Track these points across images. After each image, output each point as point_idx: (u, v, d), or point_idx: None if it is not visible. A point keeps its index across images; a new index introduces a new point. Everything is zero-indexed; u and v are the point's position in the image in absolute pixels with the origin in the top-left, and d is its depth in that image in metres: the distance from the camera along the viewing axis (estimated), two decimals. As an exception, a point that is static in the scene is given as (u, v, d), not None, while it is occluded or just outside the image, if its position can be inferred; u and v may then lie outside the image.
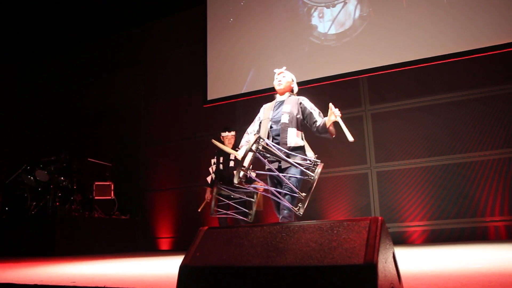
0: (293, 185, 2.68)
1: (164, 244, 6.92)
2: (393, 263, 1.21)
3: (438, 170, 5.12)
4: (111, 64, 8.40)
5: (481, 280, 1.52)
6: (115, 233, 6.62)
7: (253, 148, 2.42)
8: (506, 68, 5.00)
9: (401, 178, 5.30)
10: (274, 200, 2.92)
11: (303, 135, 3.07)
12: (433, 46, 5.27)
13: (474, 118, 5.06)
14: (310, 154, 2.97)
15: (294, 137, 2.97)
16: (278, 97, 3.26)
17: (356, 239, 1.12)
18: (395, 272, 1.22)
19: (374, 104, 5.68)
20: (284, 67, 3.30)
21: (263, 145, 2.45)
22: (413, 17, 5.47)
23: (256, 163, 2.70)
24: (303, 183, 2.73)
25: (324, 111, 3.42)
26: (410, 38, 5.43)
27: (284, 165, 2.88)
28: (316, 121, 2.99)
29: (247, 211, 4.06)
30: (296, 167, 2.61)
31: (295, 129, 2.99)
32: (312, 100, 3.23)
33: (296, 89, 3.30)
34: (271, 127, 3.07)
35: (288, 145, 2.93)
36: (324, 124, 2.91)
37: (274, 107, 3.20)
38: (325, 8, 6.10)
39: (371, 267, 1.02)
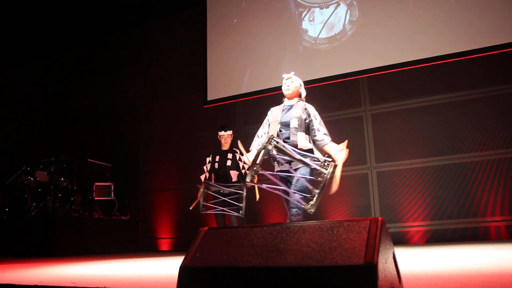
0: (303, 185, 2.77)
1: (164, 244, 6.92)
2: (393, 264, 1.21)
3: (438, 170, 5.12)
4: (111, 64, 8.40)
5: (481, 281, 1.52)
6: (115, 234, 6.62)
7: (267, 147, 2.47)
8: (505, 68, 5.00)
9: (401, 178, 5.30)
10: (286, 199, 3.01)
11: (310, 139, 3.15)
12: (433, 47, 5.27)
13: (474, 118, 5.06)
14: (319, 156, 3.02)
15: (304, 141, 3.06)
16: (287, 101, 3.34)
17: (356, 239, 1.12)
18: (395, 272, 1.22)
19: (374, 105, 5.68)
20: (293, 72, 3.39)
21: (275, 145, 2.51)
22: (413, 18, 5.48)
23: (266, 164, 2.73)
24: (313, 184, 2.77)
25: (325, 111, 3.43)
26: (410, 38, 5.44)
27: (294, 166, 2.95)
28: (314, 129, 3.09)
29: (239, 204, 4.08)
30: (309, 165, 2.68)
31: (303, 133, 3.08)
32: (313, 100, 3.27)
33: (304, 93, 3.38)
34: (280, 130, 3.15)
35: (299, 148, 2.99)
36: (322, 147, 3.00)
37: (283, 110, 3.27)
38: (325, 9, 6.10)
39: (371, 268, 1.02)
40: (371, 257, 1.04)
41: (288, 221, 2.98)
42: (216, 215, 4.39)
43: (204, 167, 4.70)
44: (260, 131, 3.36)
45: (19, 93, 9.48)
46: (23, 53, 9.07)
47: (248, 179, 2.51)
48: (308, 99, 3.44)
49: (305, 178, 2.85)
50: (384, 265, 1.10)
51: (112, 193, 6.76)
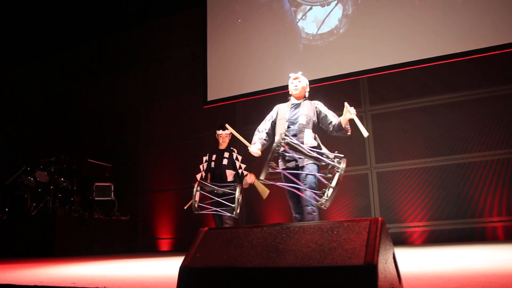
0: (313, 181, 2.92)
1: (164, 245, 6.91)
2: (393, 264, 1.21)
3: (438, 171, 5.12)
4: (111, 64, 8.40)
5: (481, 281, 1.52)
6: (115, 234, 6.62)
7: (281, 144, 2.51)
8: (505, 69, 5.00)
9: (401, 179, 5.30)
10: (293, 198, 3.11)
11: (317, 137, 3.26)
12: (433, 47, 5.27)
13: (474, 119, 5.06)
14: (326, 151, 3.09)
15: (310, 138, 3.16)
16: (293, 100, 3.39)
17: (356, 239, 1.12)
18: (395, 272, 1.22)
19: (374, 105, 5.68)
20: (300, 72, 3.44)
21: (287, 142, 2.55)
22: (413, 19, 5.48)
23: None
24: (321, 181, 2.87)
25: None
26: (410, 39, 5.44)
27: (301, 163, 3.02)
28: (331, 121, 3.21)
29: (231, 205, 4.05)
30: (320, 161, 2.75)
31: (311, 131, 3.19)
32: (312, 99, 3.32)
33: (307, 93, 3.45)
34: (288, 127, 3.22)
35: (305, 144, 3.07)
36: (340, 123, 3.15)
37: (290, 108, 3.34)
38: (326, 6, 6.10)
39: (371, 268, 1.02)
40: (371, 257, 1.04)
41: (304, 220, 3.03)
42: (213, 215, 4.37)
43: (201, 166, 4.67)
44: (261, 126, 3.41)
45: (19, 93, 9.48)
46: (23, 53, 9.07)
47: (262, 176, 2.56)
48: (309, 100, 3.47)
49: (315, 175, 2.94)
50: (384, 265, 1.10)
51: (112, 193, 6.76)
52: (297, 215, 3.16)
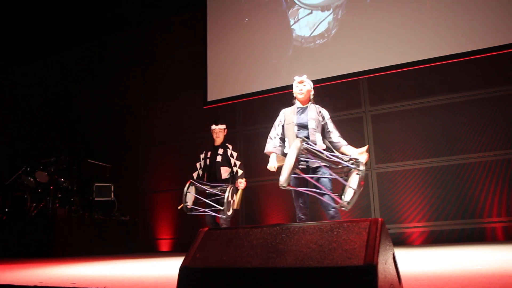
0: (328, 185, 2.98)
1: (164, 245, 6.91)
2: (393, 264, 1.21)
3: (437, 171, 5.13)
4: (111, 64, 8.40)
5: (481, 281, 1.52)
6: (115, 235, 6.61)
7: (302, 150, 2.57)
8: (504, 70, 5.00)
9: (400, 179, 5.30)
10: (299, 200, 3.11)
11: (325, 140, 3.30)
12: (432, 48, 5.28)
13: (473, 120, 5.06)
14: (339, 155, 3.12)
15: (321, 141, 3.21)
16: (298, 103, 3.41)
17: (356, 240, 1.12)
18: (395, 273, 1.22)
19: (374, 105, 5.68)
20: (305, 75, 3.44)
21: (306, 148, 2.59)
22: (412, 19, 5.48)
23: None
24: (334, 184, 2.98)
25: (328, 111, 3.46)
26: (409, 40, 5.44)
27: (312, 165, 3.06)
28: (330, 131, 3.27)
29: (220, 208, 3.99)
30: (338, 163, 2.80)
31: (320, 134, 3.24)
32: (313, 100, 3.36)
33: (312, 95, 3.47)
34: (297, 130, 3.25)
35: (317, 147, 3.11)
36: (339, 148, 3.18)
37: (297, 112, 3.36)
38: (326, 11, 6.11)
39: (371, 268, 1.02)
40: (371, 258, 1.04)
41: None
42: (206, 216, 4.28)
43: (197, 164, 4.58)
44: (273, 133, 3.40)
45: (19, 93, 9.48)
46: (23, 53, 9.08)
47: (285, 183, 2.59)
48: (314, 103, 3.51)
49: (328, 178, 3.00)
50: (384, 266, 1.10)
51: (112, 193, 6.76)
52: (302, 216, 3.16)
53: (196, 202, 4.21)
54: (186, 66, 7.43)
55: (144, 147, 7.60)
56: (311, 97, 3.44)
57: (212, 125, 4.56)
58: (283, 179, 2.64)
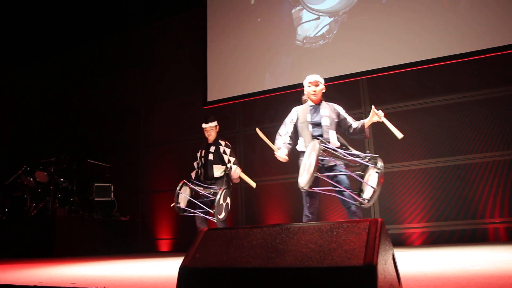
0: (346, 182, 3.04)
1: (164, 245, 6.91)
2: (392, 265, 1.22)
3: (438, 172, 5.13)
4: (111, 65, 8.40)
5: (480, 282, 1.52)
6: (114, 235, 6.61)
7: (319, 150, 2.62)
8: (505, 70, 5.00)
9: (400, 180, 5.30)
10: (309, 199, 3.14)
11: (340, 137, 3.34)
12: (433, 48, 5.28)
13: (474, 120, 5.06)
14: (355, 152, 3.16)
15: (335, 139, 3.26)
16: (310, 101, 3.43)
17: (356, 240, 1.12)
18: (394, 273, 1.22)
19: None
20: (318, 75, 3.45)
21: (323, 149, 2.62)
22: (412, 20, 5.48)
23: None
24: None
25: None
26: (409, 40, 5.44)
27: (328, 163, 3.10)
28: (350, 124, 3.34)
29: (210, 210, 3.94)
30: (355, 161, 2.85)
31: (334, 132, 3.28)
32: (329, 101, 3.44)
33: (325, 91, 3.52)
34: (312, 128, 3.28)
35: (332, 144, 3.16)
36: (362, 126, 3.29)
37: (310, 110, 3.37)
38: (331, 17, 6.11)
39: (370, 269, 1.02)
40: (371, 258, 1.04)
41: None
42: (195, 217, 4.21)
43: (195, 163, 4.52)
44: (282, 130, 3.42)
45: (19, 93, 9.48)
46: (23, 53, 9.08)
47: (306, 186, 2.60)
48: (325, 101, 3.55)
49: (345, 175, 3.07)
50: (384, 266, 1.10)
51: (112, 193, 6.76)
52: (309, 215, 3.17)
53: (190, 203, 4.16)
54: (186, 66, 7.43)
55: (144, 147, 7.60)
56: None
57: (202, 123, 4.49)
58: (304, 182, 2.66)
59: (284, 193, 6.05)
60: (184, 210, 4.11)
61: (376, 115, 3.18)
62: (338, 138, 3.30)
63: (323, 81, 3.46)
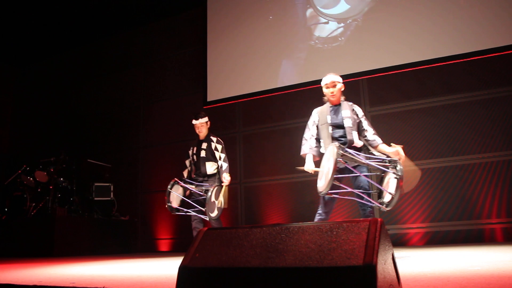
0: (366, 183, 3.01)
1: (163, 245, 6.91)
2: (392, 265, 1.21)
3: (438, 172, 5.13)
4: (111, 65, 8.40)
5: (480, 282, 1.52)
6: (114, 234, 6.61)
7: (338, 155, 2.59)
8: (505, 70, 5.00)
9: (400, 180, 5.29)
10: (325, 198, 3.10)
11: (361, 137, 3.29)
12: (433, 48, 5.28)
13: (474, 120, 5.06)
14: (376, 153, 3.15)
15: (357, 139, 3.20)
16: (330, 102, 3.37)
17: (356, 240, 1.12)
18: (394, 273, 1.22)
19: (373, 106, 5.68)
20: (333, 75, 3.34)
21: (342, 154, 2.62)
22: (412, 20, 5.48)
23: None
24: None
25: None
26: (410, 40, 5.45)
27: (350, 164, 3.03)
28: (365, 130, 3.25)
29: (202, 208, 3.83)
30: (374, 167, 2.84)
31: (356, 132, 3.22)
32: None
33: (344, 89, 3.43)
34: (332, 130, 3.23)
35: (353, 145, 3.15)
36: (375, 147, 3.18)
37: (330, 111, 3.31)
38: (325, 10, 6.11)
39: (370, 269, 1.02)
40: (370, 258, 1.04)
41: None
42: (191, 218, 4.12)
43: (187, 162, 4.42)
44: (307, 134, 3.35)
45: (19, 93, 9.48)
46: (23, 53, 9.08)
47: (325, 191, 2.63)
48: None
49: (367, 178, 3.02)
50: (383, 266, 1.10)
51: (112, 193, 6.76)
52: (323, 214, 3.12)
53: (182, 202, 4.08)
54: (186, 66, 7.43)
55: (143, 147, 7.60)
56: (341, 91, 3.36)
57: (193, 120, 4.37)
58: (323, 187, 2.65)
59: (284, 193, 6.05)
60: (177, 210, 4.02)
61: (397, 156, 2.98)
62: (360, 138, 3.24)
63: (340, 79, 3.34)
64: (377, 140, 3.20)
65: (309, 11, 6.22)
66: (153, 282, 2.02)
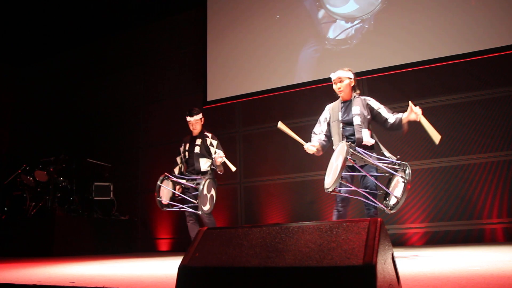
0: (373, 184, 2.94)
1: (163, 245, 6.91)
2: (392, 265, 1.21)
3: (438, 172, 5.13)
4: (111, 64, 8.40)
5: (479, 282, 1.52)
6: (114, 234, 6.61)
7: (348, 154, 2.58)
8: (505, 70, 5.01)
9: (400, 180, 5.30)
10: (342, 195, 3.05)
11: (374, 135, 3.21)
12: (433, 48, 5.28)
13: (474, 120, 5.06)
14: (387, 154, 3.08)
15: (368, 137, 3.12)
16: (341, 98, 3.29)
17: (355, 240, 1.12)
18: (393, 273, 1.22)
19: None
20: (340, 71, 3.29)
21: (352, 153, 2.60)
22: (412, 20, 5.48)
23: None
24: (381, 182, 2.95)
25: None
26: (409, 40, 5.45)
27: (359, 163, 2.97)
28: (387, 118, 3.15)
29: (195, 201, 3.72)
30: (385, 170, 2.81)
31: (367, 130, 3.13)
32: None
33: (355, 83, 3.33)
34: (343, 127, 3.16)
35: (363, 144, 3.07)
36: (400, 121, 3.10)
37: (341, 108, 3.24)
38: (325, 11, 6.11)
39: (370, 268, 1.02)
40: (370, 257, 1.04)
41: None
42: (186, 217, 4.04)
43: (178, 158, 4.29)
44: (317, 129, 3.30)
45: (19, 93, 9.48)
46: (23, 53, 9.07)
47: (331, 189, 2.59)
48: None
49: (375, 178, 2.97)
50: (383, 266, 1.10)
51: (111, 193, 6.76)
52: (340, 210, 3.07)
53: (173, 198, 3.96)
54: (186, 66, 7.43)
55: (143, 146, 7.60)
56: (355, 89, 3.27)
57: (187, 116, 4.26)
58: (329, 183, 2.63)
59: (284, 193, 6.05)
60: (168, 205, 3.90)
61: (414, 113, 2.99)
62: (372, 135, 3.16)
63: (348, 74, 3.26)
64: (398, 115, 3.12)
65: (309, 11, 6.22)
66: (152, 281, 2.02)
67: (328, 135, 3.25)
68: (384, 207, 2.79)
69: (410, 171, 2.68)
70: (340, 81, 3.25)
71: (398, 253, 3.41)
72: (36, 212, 6.18)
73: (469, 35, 5.13)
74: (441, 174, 5.10)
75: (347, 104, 3.22)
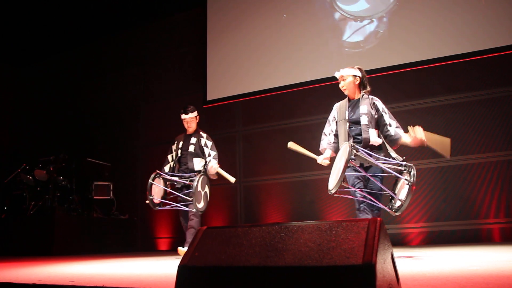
0: (378, 185, 2.91)
1: (163, 244, 6.91)
2: (391, 264, 1.21)
3: (437, 172, 5.13)
4: (111, 64, 8.39)
5: (479, 282, 1.52)
6: (113, 233, 6.61)
7: (350, 155, 2.56)
8: (505, 70, 5.01)
9: (400, 180, 5.30)
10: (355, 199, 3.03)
11: (381, 134, 3.14)
12: (432, 48, 5.28)
13: (474, 120, 5.06)
14: (394, 154, 3.03)
15: (375, 137, 3.06)
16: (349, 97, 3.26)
17: (355, 239, 1.12)
18: (393, 273, 1.22)
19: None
20: (341, 70, 3.26)
21: (355, 154, 2.59)
22: (412, 20, 5.48)
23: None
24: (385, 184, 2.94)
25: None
26: (409, 40, 5.45)
27: (364, 164, 2.96)
28: (386, 124, 3.06)
29: (189, 198, 3.62)
30: (390, 172, 2.78)
31: (374, 130, 3.08)
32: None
33: (365, 81, 3.26)
34: (349, 127, 3.11)
35: (371, 144, 3.03)
36: (399, 139, 3.01)
37: (348, 107, 3.20)
38: (356, 21, 6.11)
39: (369, 268, 1.02)
40: (370, 257, 1.04)
41: None
42: (179, 212, 3.93)
43: (169, 156, 4.19)
44: (327, 129, 3.28)
45: (19, 92, 9.48)
46: (23, 53, 9.07)
47: (334, 190, 2.58)
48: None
49: (380, 179, 2.95)
50: (383, 265, 1.10)
51: (111, 192, 6.76)
52: (361, 205, 3.04)
53: (165, 196, 3.87)
54: (186, 66, 7.43)
55: (143, 146, 7.60)
56: (365, 83, 3.22)
57: (181, 114, 4.17)
58: (332, 186, 2.62)
59: (284, 193, 6.05)
60: (160, 204, 3.79)
61: (418, 140, 2.88)
62: (379, 135, 3.10)
63: (352, 72, 3.20)
64: (400, 133, 3.00)
65: (309, 11, 6.22)
66: (152, 281, 2.02)
67: (337, 134, 3.23)
68: (388, 209, 2.78)
69: (415, 173, 2.65)
70: (343, 80, 3.22)
71: (398, 253, 3.42)
72: (35, 211, 6.18)
73: (469, 35, 5.13)
74: (441, 174, 5.10)
75: (354, 103, 3.19)
